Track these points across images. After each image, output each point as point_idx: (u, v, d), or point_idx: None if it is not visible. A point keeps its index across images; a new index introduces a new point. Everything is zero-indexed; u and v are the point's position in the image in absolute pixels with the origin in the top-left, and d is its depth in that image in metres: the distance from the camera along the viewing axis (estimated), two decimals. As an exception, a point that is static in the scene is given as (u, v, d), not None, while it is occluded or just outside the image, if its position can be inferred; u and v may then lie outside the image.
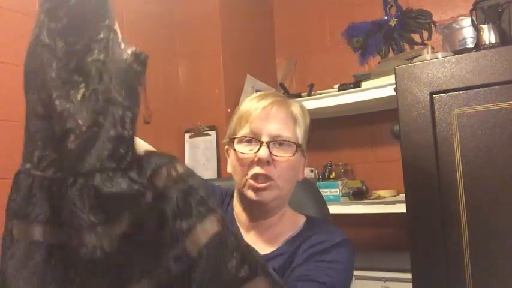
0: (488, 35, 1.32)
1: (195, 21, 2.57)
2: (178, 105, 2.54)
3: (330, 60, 2.62)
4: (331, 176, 2.45)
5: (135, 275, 0.57)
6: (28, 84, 0.60)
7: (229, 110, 2.43)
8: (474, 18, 1.41)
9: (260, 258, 0.63)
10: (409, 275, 1.31)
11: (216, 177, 2.39)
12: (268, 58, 2.81)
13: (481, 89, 1.22)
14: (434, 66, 1.28)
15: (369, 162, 2.52)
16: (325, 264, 0.97)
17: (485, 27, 1.32)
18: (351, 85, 2.22)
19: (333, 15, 2.63)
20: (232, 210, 1.10)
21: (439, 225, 1.25)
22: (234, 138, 1.05)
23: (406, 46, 2.19)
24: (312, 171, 2.44)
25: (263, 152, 0.99)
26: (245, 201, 1.04)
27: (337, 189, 2.23)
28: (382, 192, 2.29)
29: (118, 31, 0.61)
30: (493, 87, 1.21)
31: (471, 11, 1.44)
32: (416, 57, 1.66)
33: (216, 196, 1.13)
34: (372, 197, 2.27)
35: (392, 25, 2.18)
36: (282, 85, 2.56)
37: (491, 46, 1.29)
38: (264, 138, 1.00)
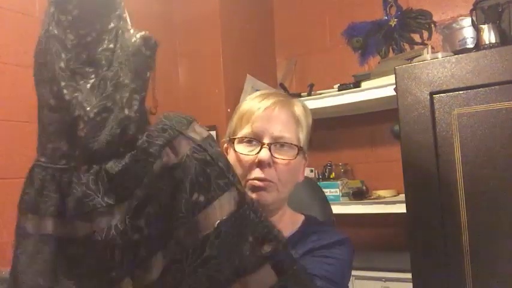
0: (488, 35, 1.32)
1: (195, 21, 2.57)
2: (178, 105, 2.54)
3: (330, 60, 2.62)
4: (331, 176, 2.45)
5: (150, 249, 0.56)
6: (38, 76, 0.60)
7: (229, 110, 2.43)
8: (474, 18, 1.41)
9: (281, 238, 0.60)
10: (409, 275, 1.31)
11: (216, 177, 2.39)
12: (268, 58, 2.80)
13: (481, 89, 1.22)
14: (434, 66, 1.28)
15: (369, 162, 2.52)
16: (323, 259, 0.96)
17: (485, 27, 1.32)
18: (351, 85, 2.22)
19: (333, 15, 2.63)
20: None
21: (439, 225, 1.25)
22: (235, 138, 1.02)
23: (406, 46, 2.19)
24: (312, 171, 2.44)
25: (264, 154, 0.97)
26: None
27: (337, 189, 2.24)
28: (382, 192, 2.29)
29: (128, 18, 0.61)
30: (493, 87, 1.21)
31: (471, 11, 1.44)
32: (416, 57, 1.66)
33: None
34: (372, 197, 2.27)
35: (392, 25, 2.18)
36: (282, 85, 2.56)
37: (491, 46, 1.29)
38: (266, 140, 0.98)
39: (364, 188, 2.33)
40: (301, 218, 1.10)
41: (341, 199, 2.22)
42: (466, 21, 1.49)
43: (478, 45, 1.34)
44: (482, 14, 1.38)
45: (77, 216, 0.56)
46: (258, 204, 0.60)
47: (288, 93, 2.46)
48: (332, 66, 2.60)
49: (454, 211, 1.24)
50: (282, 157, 0.99)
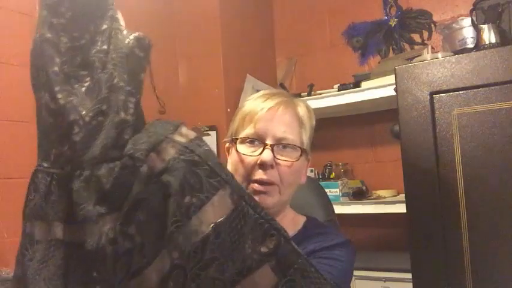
0: (488, 35, 1.32)
1: (195, 21, 2.57)
2: (179, 105, 2.54)
3: (330, 60, 2.62)
4: (331, 176, 2.45)
5: (146, 257, 0.55)
6: (35, 80, 0.60)
7: (229, 110, 2.43)
8: (474, 18, 1.41)
9: (283, 232, 0.57)
10: (409, 275, 1.31)
11: (216, 177, 2.39)
12: (268, 58, 2.80)
13: (481, 89, 1.22)
14: (434, 66, 1.28)
15: (369, 162, 2.52)
16: (325, 260, 0.95)
17: (485, 27, 1.32)
18: (351, 85, 2.22)
19: (333, 15, 2.63)
20: None
21: (439, 225, 1.25)
22: (237, 138, 1.00)
23: (406, 46, 2.19)
24: (312, 171, 2.44)
25: (266, 155, 0.95)
26: None
27: (337, 189, 2.24)
28: (382, 192, 2.29)
29: (120, 18, 0.60)
30: (493, 87, 1.21)
31: (471, 11, 1.44)
32: (416, 57, 1.66)
33: None
34: (372, 197, 2.27)
35: (393, 25, 2.18)
36: (282, 85, 2.56)
37: (491, 46, 1.29)
38: (268, 141, 0.96)
39: (364, 188, 2.33)
40: (302, 220, 1.08)
41: (341, 199, 2.22)
42: (466, 21, 1.49)
43: (478, 45, 1.34)
44: (482, 14, 1.38)
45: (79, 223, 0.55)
46: (256, 200, 0.58)
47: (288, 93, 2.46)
48: (332, 66, 2.60)
49: (454, 211, 1.24)
50: (285, 158, 0.97)
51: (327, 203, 1.31)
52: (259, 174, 0.95)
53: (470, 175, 1.23)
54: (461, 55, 1.27)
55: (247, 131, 0.99)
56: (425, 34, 2.12)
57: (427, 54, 1.44)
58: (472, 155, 1.23)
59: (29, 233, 0.60)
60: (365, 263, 1.99)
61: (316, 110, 2.21)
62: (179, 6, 2.59)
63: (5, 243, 1.64)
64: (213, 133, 2.46)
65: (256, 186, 0.96)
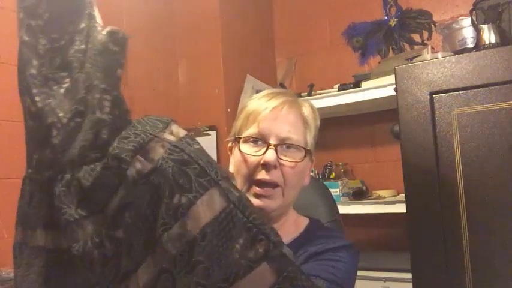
0: (488, 35, 1.32)
1: (195, 21, 2.57)
2: (178, 105, 2.54)
3: (330, 60, 2.62)
4: (331, 176, 2.45)
5: (134, 260, 0.53)
6: (20, 85, 0.59)
7: (229, 110, 2.43)
8: (474, 18, 1.41)
9: (273, 237, 0.54)
10: (409, 275, 1.31)
11: (216, 177, 2.38)
12: (268, 58, 2.81)
13: (481, 89, 1.22)
14: (434, 66, 1.28)
15: (369, 162, 2.52)
16: (329, 262, 0.93)
17: (485, 27, 1.32)
18: (351, 85, 2.22)
19: (333, 15, 2.64)
20: None
21: (439, 225, 1.25)
22: (240, 137, 0.98)
23: (406, 46, 2.19)
24: (312, 171, 2.43)
25: (270, 155, 0.93)
26: None
27: (337, 189, 2.24)
28: (382, 192, 2.29)
29: (97, 15, 0.58)
30: (493, 87, 1.21)
31: (471, 11, 1.44)
32: (416, 57, 1.65)
33: None
34: (372, 197, 2.27)
35: (392, 25, 2.18)
36: (282, 85, 2.57)
37: (491, 46, 1.29)
38: (272, 141, 0.95)
39: (364, 188, 2.33)
40: (305, 222, 1.06)
41: (341, 199, 2.22)
42: (466, 21, 1.49)
43: (478, 45, 1.34)
44: (482, 14, 1.38)
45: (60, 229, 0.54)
46: (247, 201, 0.55)
47: (288, 93, 2.46)
48: (332, 66, 2.60)
49: (454, 211, 1.24)
50: (288, 159, 0.95)
51: (331, 203, 1.29)
52: (262, 175, 0.94)
53: (470, 175, 1.23)
54: (461, 55, 1.27)
55: (251, 131, 0.97)
56: (425, 34, 2.12)
57: (427, 54, 1.44)
58: (472, 155, 1.23)
59: (17, 240, 0.59)
60: (365, 263, 1.99)
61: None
62: (179, 6, 2.59)
63: (5, 243, 1.64)
64: (213, 133, 2.46)
65: (258, 190, 0.94)
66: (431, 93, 1.27)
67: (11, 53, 1.84)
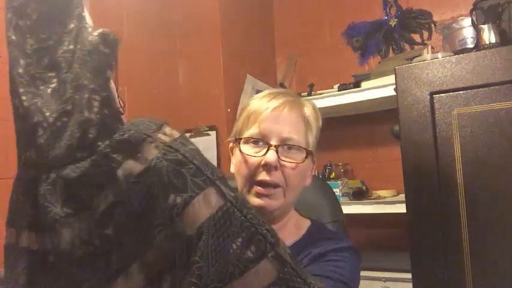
0: (488, 35, 1.32)
1: (195, 21, 2.57)
2: (178, 105, 2.54)
3: (330, 60, 2.62)
4: (331, 176, 2.45)
5: (124, 260, 0.52)
6: (10, 86, 0.58)
7: (229, 110, 2.43)
8: (474, 18, 1.41)
9: (272, 236, 0.53)
10: (409, 275, 1.31)
11: (215, 177, 2.38)
12: (268, 58, 2.81)
13: (481, 89, 1.22)
14: (434, 66, 1.28)
15: (369, 162, 2.52)
16: (333, 262, 0.92)
17: (485, 27, 1.32)
18: (351, 85, 2.22)
19: (333, 15, 2.63)
20: None
21: (439, 225, 1.25)
22: (241, 138, 0.98)
23: (406, 46, 2.19)
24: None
25: (271, 156, 0.92)
26: None
27: (337, 189, 2.23)
28: (382, 192, 2.29)
29: (87, 15, 0.58)
30: (493, 87, 1.21)
31: (471, 11, 1.44)
32: (416, 57, 1.66)
33: None
34: (372, 197, 2.27)
35: (392, 25, 2.18)
36: (282, 85, 2.56)
37: (491, 46, 1.29)
38: (273, 141, 0.94)
39: (364, 188, 2.33)
40: (306, 224, 1.05)
41: (341, 199, 2.22)
42: (466, 21, 1.49)
43: (478, 45, 1.34)
44: (482, 14, 1.38)
45: (45, 229, 0.54)
46: (245, 200, 0.54)
47: (288, 93, 2.46)
48: (332, 66, 2.60)
49: (454, 211, 1.24)
50: (290, 160, 0.94)
51: (334, 203, 1.27)
52: (262, 176, 0.93)
53: (470, 175, 1.23)
54: (461, 55, 1.27)
55: (252, 131, 0.96)
56: (425, 34, 2.12)
57: (427, 54, 1.44)
58: (472, 155, 1.23)
59: (6, 242, 0.59)
60: (365, 263, 1.97)
61: (316, 110, 2.23)
62: (179, 6, 2.59)
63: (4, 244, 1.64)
64: (213, 133, 2.46)
65: (259, 189, 0.93)
66: (431, 93, 1.27)
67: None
